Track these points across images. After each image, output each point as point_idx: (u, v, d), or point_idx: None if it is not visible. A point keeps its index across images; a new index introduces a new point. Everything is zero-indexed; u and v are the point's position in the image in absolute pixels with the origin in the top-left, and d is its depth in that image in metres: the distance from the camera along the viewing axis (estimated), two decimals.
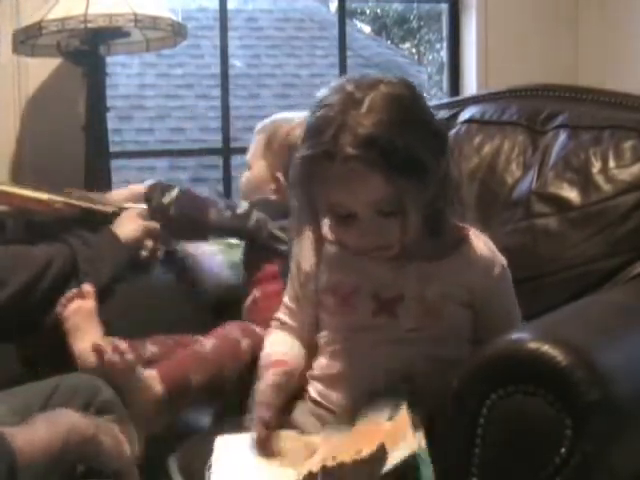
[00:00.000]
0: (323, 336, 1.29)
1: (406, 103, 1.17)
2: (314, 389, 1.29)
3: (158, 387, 1.39)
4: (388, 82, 1.17)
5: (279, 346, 1.32)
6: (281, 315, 1.35)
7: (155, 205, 1.64)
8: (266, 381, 1.28)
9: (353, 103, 1.14)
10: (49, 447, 1.06)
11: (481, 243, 1.26)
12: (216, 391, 1.48)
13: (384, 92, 1.15)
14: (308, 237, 1.29)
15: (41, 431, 1.07)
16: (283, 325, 1.34)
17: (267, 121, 1.78)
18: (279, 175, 1.68)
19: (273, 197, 1.71)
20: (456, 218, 1.26)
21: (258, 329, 1.51)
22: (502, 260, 1.27)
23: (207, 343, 1.49)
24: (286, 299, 1.35)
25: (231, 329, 1.54)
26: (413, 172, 1.13)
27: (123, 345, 1.36)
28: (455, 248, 1.25)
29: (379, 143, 1.11)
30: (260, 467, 1.19)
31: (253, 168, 1.75)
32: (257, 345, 1.42)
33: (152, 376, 1.39)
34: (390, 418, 1.12)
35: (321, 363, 1.29)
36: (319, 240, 1.27)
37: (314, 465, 1.11)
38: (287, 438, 1.23)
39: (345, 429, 1.18)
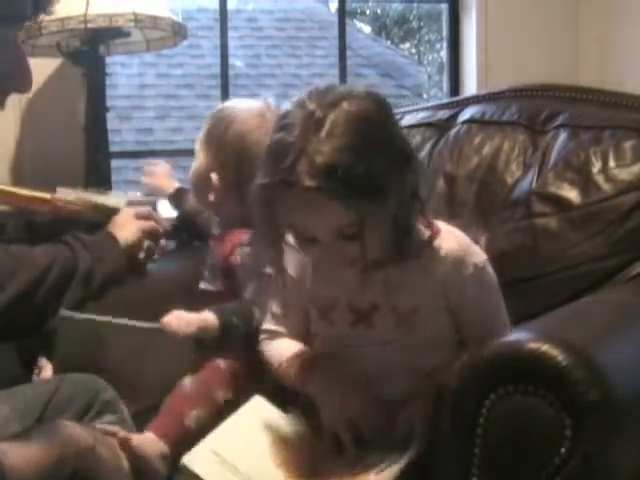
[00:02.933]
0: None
1: (370, 123, 1.11)
2: None
3: (161, 446, 1.32)
4: (353, 98, 1.12)
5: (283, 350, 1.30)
6: (269, 326, 1.33)
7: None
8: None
9: (314, 125, 1.09)
10: (43, 462, 1.04)
11: (451, 242, 1.21)
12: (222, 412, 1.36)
13: (347, 111, 1.10)
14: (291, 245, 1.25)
15: (34, 446, 1.05)
16: (273, 334, 1.32)
17: (219, 107, 1.64)
18: (213, 175, 1.57)
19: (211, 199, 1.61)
20: (429, 217, 1.22)
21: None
22: (477, 258, 1.22)
23: (186, 382, 1.41)
24: (273, 307, 1.32)
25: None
26: (374, 196, 1.10)
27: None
28: (421, 250, 1.20)
29: (338, 172, 1.07)
30: (259, 451, 1.18)
31: (196, 159, 1.62)
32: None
33: (150, 438, 1.33)
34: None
35: None
36: (281, 256, 1.22)
37: None
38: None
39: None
